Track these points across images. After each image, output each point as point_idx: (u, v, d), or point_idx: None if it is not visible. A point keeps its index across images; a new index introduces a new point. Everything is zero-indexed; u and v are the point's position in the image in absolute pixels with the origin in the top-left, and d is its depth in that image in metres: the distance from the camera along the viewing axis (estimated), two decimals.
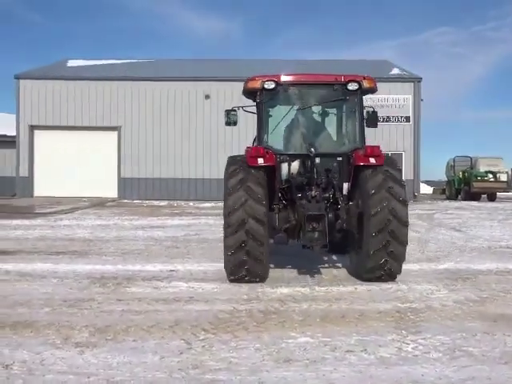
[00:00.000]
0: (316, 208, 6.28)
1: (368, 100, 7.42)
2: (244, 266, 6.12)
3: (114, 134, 21.75)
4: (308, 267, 7.28)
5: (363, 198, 6.33)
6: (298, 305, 5.34)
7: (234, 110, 7.55)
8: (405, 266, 6.55)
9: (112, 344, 4.17)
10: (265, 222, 6.11)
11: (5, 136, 23.88)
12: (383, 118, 22.48)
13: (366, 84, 6.83)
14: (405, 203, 6.25)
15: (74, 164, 21.74)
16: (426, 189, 35.46)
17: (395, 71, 24.34)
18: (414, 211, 17.20)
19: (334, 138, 7.39)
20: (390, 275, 6.33)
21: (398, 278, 6.50)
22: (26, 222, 12.97)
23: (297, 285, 6.24)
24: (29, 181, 22.21)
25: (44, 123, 21.96)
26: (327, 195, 6.62)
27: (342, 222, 6.45)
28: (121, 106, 21.69)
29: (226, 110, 7.67)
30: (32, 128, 22.03)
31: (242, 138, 21.34)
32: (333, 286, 6.22)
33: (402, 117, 22.62)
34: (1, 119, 26.99)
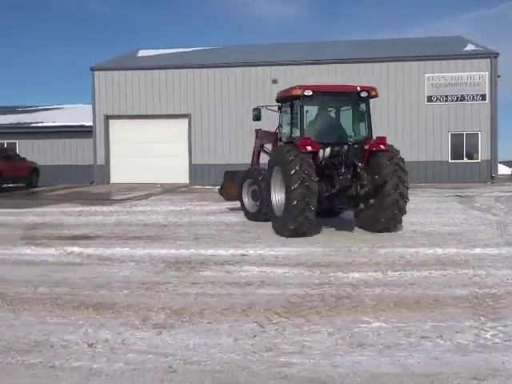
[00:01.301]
0: (348, 180, 8.82)
1: (441, 79, 9.03)
2: (303, 213, 8.25)
3: (185, 122, 22.19)
4: (378, 252, 7.20)
5: (379, 171, 8.65)
6: (371, 290, 5.29)
7: (259, 109, 10.64)
8: (483, 251, 6.39)
9: (188, 326, 4.30)
10: (316, 182, 8.34)
11: (83, 126, 24.90)
12: (457, 97, 21.67)
13: (373, 93, 9.30)
14: (406, 173, 8.84)
15: (146, 151, 22.39)
16: (504, 170, 33.88)
17: (470, 47, 23.27)
18: (492, 193, 16.51)
19: (353, 131, 9.49)
20: (396, 223, 8.85)
21: (475, 263, 6.39)
22: (104, 208, 13.52)
23: (369, 269, 6.17)
24: (105, 168, 23.09)
25: (118, 113, 22.72)
26: (351, 171, 8.91)
27: (365, 188, 8.72)
28: (190, 94, 22.06)
29: (253, 108, 10.70)
30: (107, 118, 22.87)
31: None
32: (406, 270, 6.11)
33: (477, 95, 21.63)
34: (78, 110, 28.20)
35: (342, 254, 7.16)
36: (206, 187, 20.81)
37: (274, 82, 21.55)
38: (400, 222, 8.87)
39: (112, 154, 23.26)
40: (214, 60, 23.39)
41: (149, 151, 22.55)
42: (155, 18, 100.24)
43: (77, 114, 26.69)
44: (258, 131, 11.92)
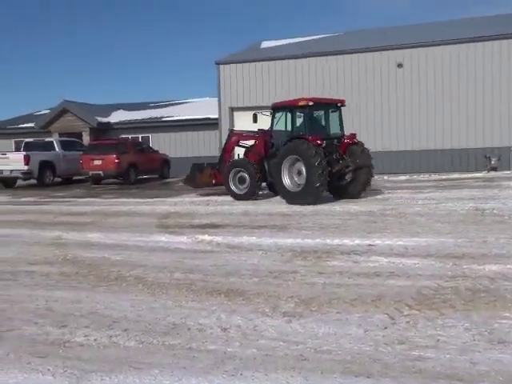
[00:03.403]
0: (341, 163, 12.31)
1: None
2: (322, 190, 11.86)
3: None
4: None
5: (356, 157, 12.31)
6: (511, 283, 4.94)
7: (255, 114, 13.85)
8: None
9: (317, 315, 4.32)
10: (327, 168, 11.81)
11: (208, 119, 25.87)
12: None
13: (344, 104, 13.09)
14: (371, 158, 12.57)
15: None
16: None
17: None
18: None
19: (337, 129, 13.01)
20: (364, 191, 12.72)
21: None
22: (230, 198, 13.95)
23: (507, 262, 5.77)
24: None
25: (242, 104, 23.27)
26: (338, 157, 12.45)
27: (350, 168, 12.24)
28: (313, 82, 21.98)
29: (253, 113, 13.97)
30: (232, 110, 23.53)
31: (431, 109, 20.27)
32: None
33: None
34: (205, 103, 29.32)
35: (476, 244, 6.76)
36: None
37: (400, 66, 20.81)
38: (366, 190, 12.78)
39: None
40: (335, 47, 23.07)
41: None
42: (278, 9, 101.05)
43: (204, 107, 27.76)
44: (231, 130, 15.39)
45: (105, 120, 27.72)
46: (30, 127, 28.47)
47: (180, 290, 5.21)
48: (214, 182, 14.60)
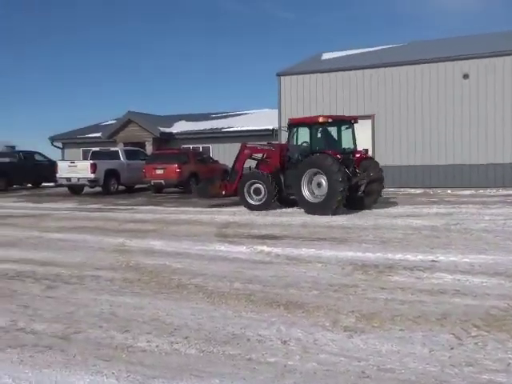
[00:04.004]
0: (359, 177, 12.85)
1: None
2: (344, 197, 12.32)
3: (368, 123, 21.91)
4: None
5: (369, 171, 12.95)
6: None
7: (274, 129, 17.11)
8: None
9: (379, 331, 4.22)
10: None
11: (268, 130, 25.98)
12: None
13: (357, 121, 13.86)
14: (382, 171, 13.37)
15: None
16: None
17: None
18: None
19: (350, 144, 13.60)
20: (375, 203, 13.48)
21: None
22: (289, 209, 13.92)
23: None
24: None
25: (302, 116, 23.25)
26: (355, 171, 13.00)
27: (364, 181, 12.80)
28: (374, 94, 21.68)
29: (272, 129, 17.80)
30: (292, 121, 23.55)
31: (499, 121, 19.54)
32: None
33: None
34: (265, 114, 29.49)
35: None
36: (390, 189, 20.32)
37: (465, 76, 20.22)
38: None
39: None
40: (397, 58, 22.72)
41: None
42: (338, 20, 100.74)
43: (263, 118, 27.93)
44: (244, 144, 15.63)
45: (167, 130, 28.38)
46: (97, 137, 29.53)
47: (239, 300, 5.22)
48: (223, 193, 15.07)
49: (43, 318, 4.78)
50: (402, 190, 19.98)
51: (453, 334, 4.09)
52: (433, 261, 6.83)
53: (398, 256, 7.19)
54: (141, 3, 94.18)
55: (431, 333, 4.13)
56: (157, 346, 3.99)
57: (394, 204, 14.45)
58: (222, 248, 8.23)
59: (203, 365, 3.63)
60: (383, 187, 13.51)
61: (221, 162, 24.62)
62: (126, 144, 27.33)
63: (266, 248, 8.08)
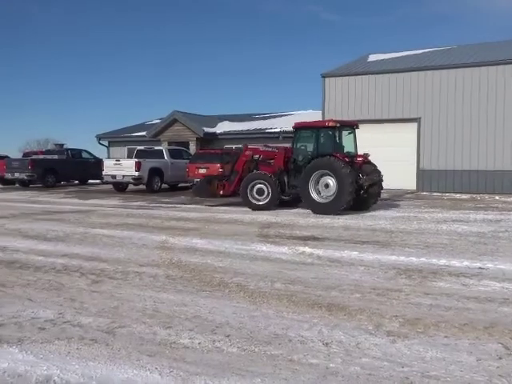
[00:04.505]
0: (365, 180, 13.51)
1: None
2: (351, 202, 12.96)
3: (414, 126, 21.50)
4: None
5: (370, 174, 13.63)
6: None
7: (280, 131, 16.85)
8: None
9: (423, 337, 4.14)
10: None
11: None
12: None
13: (358, 126, 14.67)
14: (381, 175, 13.97)
15: (374, 156, 22.24)
16: None
17: None
18: None
19: (352, 149, 14.28)
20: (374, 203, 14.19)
21: None
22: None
23: None
24: None
25: (346, 118, 23.03)
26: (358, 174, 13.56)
27: (366, 183, 13.46)
28: (420, 97, 21.28)
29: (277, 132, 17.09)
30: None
31: None
32: None
33: None
34: (308, 115, 29.38)
35: None
36: (434, 194, 19.92)
37: None
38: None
39: None
40: (444, 61, 22.26)
41: (375, 156, 22.34)
42: (383, 22, 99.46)
43: (306, 120, 27.81)
44: (247, 145, 16.04)
45: (211, 130, 28.61)
46: (142, 136, 30.03)
47: (281, 301, 5.21)
48: (221, 192, 15.53)
49: (89, 311, 4.89)
50: (447, 194, 19.56)
51: (501, 343, 3.97)
52: (480, 268, 6.66)
53: (443, 261, 7.04)
54: (188, 5, 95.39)
55: (478, 341, 4.02)
56: (199, 343, 4.03)
57: (439, 209, 14.16)
58: (264, 248, 8.24)
59: (245, 364, 3.64)
60: (382, 189, 14.22)
61: None
62: (170, 143, 27.71)
63: (307, 249, 8.05)
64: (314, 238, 9.25)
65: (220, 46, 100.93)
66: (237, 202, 15.75)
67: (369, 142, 22.49)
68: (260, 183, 14.47)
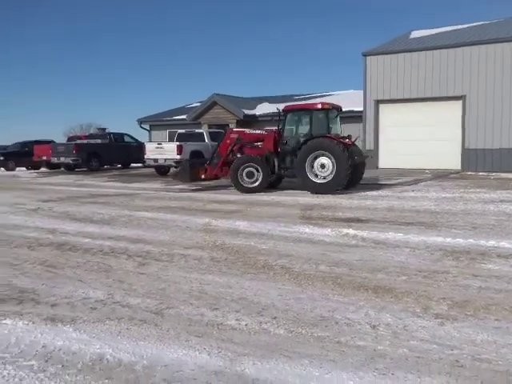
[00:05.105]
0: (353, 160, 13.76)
1: None
2: (348, 179, 13.45)
3: (459, 104, 20.93)
4: None
5: (356, 155, 13.98)
6: None
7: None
8: None
9: (473, 320, 4.07)
10: None
11: (352, 111, 25.53)
12: None
13: (342, 110, 15.25)
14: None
15: (415, 135, 21.84)
16: None
17: None
18: None
19: (338, 131, 14.66)
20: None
21: None
22: (374, 192, 13.66)
23: None
24: (374, 153, 23.30)
25: (388, 97, 22.62)
26: None
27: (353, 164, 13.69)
28: (466, 74, 20.66)
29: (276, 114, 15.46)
30: (377, 102, 22.98)
31: None
32: None
33: None
34: (349, 95, 28.98)
35: None
36: (480, 173, 19.42)
37: None
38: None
39: (381, 139, 23.34)
40: (492, 35, 21.49)
41: (417, 135, 21.97)
42: None
43: (348, 100, 27.45)
44: (230, 128, 17.30)
45: (250, 112, 28.60)
46: (182, 119, 30.28)
47: (326, 283, 5.20)
48: (203, 176, 15.64)
49: (137, 292, 5.00)
50: (493, 174, 19.04)
51: None
52: None
53: (491, 243, 6.88)
54: None
55: None
56: (246, 325, 4.07)
57: (485, 189, 13.80)
58: (307, 230, 8.22)
59: (292, 345, 3.66)
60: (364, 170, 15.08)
61: None
62: (210, 126, 27.83)
63: (351, 231, 7.99)
64: (358, 220, 9.17)
65: (260, 29, 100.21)
66: (281, 186, 15.75)
67: (412, 121, 22.13)
68: (250, 166, 14.65)
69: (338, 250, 6.77)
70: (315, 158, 13.67)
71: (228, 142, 15.53)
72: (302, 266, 5.89)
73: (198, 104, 30.90)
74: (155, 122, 33.27)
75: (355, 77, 72.36)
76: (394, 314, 4.25)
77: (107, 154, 25.98)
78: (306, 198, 12.59)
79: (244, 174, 14.69)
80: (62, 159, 25.34)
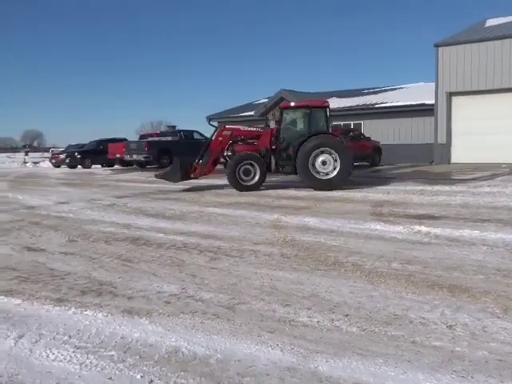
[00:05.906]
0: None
1: None
2: (351, 173, 14.17)
3: None
4: None
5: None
6: None
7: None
8: None
9: None
10: None
11: (423, 105, 24.84)
12: None
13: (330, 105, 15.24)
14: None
15: (492, 129, 20.97)
16: None
17: None
18: None
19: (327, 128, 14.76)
20: None
21: None
22: (446, 187, 13.24)
23: None
24: (446, 147, 22.57)
25: (462, 89, 21.81)
26: None
27: None
28: None
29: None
30: (450, 95, 22.21)
31: None
32: None
33: None
34: (419, 88, 28.19)
35: None
36: None
37: None
38: None
39: (453, 133, 22.57)
40: None
41: (493, 128, 21.09)
42: None
43: (418, 93, 26.72)
44: (224, 125, 16.16)
45: None
46: (250, 115, 30.50)
47: (399, 281, 5.09)
48: (192, 175, 15.32)
49: (209, 287, 5.09)
50: None
51: None
52: None
53: None
54: None
55: None
56: (318, 322, 4.05)
57: None
58: (378, 227, 8.08)
59: (365, 343, 3.61)
60: None
61: (373, 138, 24.11)
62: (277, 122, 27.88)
63: (424, 228, 7.78)
64: (430, 217, 8.92)
65: (328, 22, 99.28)
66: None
67: (487, 113, 21.24)
68: (247, 164, 14.54)
69: (411, 247, 6.61)
70: (316, 155, 13.81)
71: (220, 139, 15.23)
72: (374, 264, 5.80)
73: (265, 100, 31.02)
74: (223, 119, 33.69)
75: (424, 70, 70.23)
76: (472, 314, 4.10)
77: (177, 151, 26.51)
78: (376, 195, 12.37)
79: (241, 172, 14.57)
80: (135, 156, 26.18)
